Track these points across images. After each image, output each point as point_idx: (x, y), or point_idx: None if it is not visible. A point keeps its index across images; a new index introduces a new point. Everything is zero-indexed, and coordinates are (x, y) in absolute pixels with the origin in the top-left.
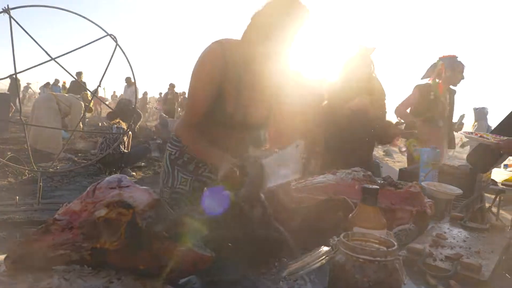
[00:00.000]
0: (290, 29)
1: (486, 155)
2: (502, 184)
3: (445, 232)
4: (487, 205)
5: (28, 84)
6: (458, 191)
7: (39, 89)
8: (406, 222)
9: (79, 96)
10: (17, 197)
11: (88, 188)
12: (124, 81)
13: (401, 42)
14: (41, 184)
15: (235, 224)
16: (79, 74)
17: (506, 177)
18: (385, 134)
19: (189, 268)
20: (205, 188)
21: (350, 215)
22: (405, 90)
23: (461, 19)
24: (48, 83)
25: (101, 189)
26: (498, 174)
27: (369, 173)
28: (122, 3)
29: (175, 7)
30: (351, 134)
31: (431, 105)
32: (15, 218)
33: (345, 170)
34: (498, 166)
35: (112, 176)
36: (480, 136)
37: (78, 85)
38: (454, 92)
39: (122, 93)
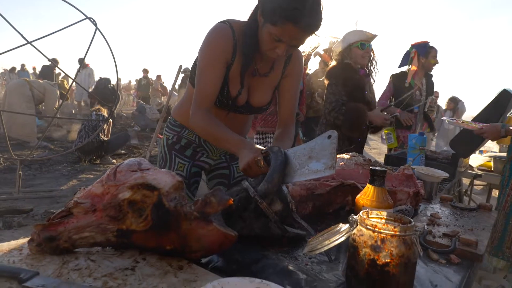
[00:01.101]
0: (301, 10)
1: (469, 140)
2: (478, 169)
3: (438, 212)
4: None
5: (5, 70)
6: (445, 174)
7: (3, 74)
8: (404, 203)
9: (54, 82)
10: None
11: (108, 171)
12: (78, 63)
13: (375, 31)
14: (20, 172)
15: (251, 219)
16: (54, 61)
17: (481, 162)
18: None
19: (215, 247)
20: (202, 173)
21: (358, 195)
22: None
23: (435, 7)
24: (14, 68)
25: (122, 172)
26: (474, 160)
27: (368, 158)
28: None
29: None
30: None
31: (406, 92)
32: None
33: (343, 156)
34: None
35: (131, 159)
36: (462, 122)
37: (50, 70)
38: (430, 76)
39: (19, 69)
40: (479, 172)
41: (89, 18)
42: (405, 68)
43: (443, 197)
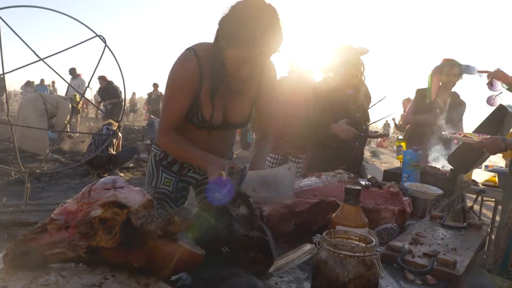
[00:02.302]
0: (259, 32)
1: (467, 156)
2: (482, 185)
3: (424, 231)
4: (469, 204)
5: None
6: (439, 191)
7: (21, 88)
8: (389, 221)
9: (66, 96)
10: (4, 198)
11: (84, 189)
12: (68, 73)
13: (408, 45)
14: (28, 185)
15: (215, 219)
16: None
17: (487, 177)
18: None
19: (181, 265)
20: (190, 187)
21: (334, 214)
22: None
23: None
24: (29, 82)
25: (97, 190)
26: (479, 175)
27: (353, 175)
28: (110, 5)
29: (162, 8)
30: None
31: (427, 109)
32: (2, 219)
33: (329, 173)
34: (479, 167)
35: (107, 177)
36: (464, 136)
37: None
38: (457, 95)
39: (38, 84)
40: (484, 187)
41: (99, 36)
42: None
43: (433, 215)
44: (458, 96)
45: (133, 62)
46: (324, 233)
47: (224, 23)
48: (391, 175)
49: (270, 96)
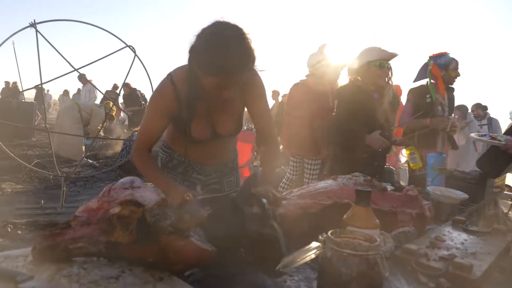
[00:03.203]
0: (229, 58)
1: (496, 159)
2: None
3: (444, 235)
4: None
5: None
6: (464, 195)
7: (59, 98)
8: (406, 224)
9: (100, 104)
10: (42, 201)
11: (104, 189)
12: (78, 80)
13: (389, 40)
14: (64, 189)
15: (228, 217)
16: (115, 88)
17: None
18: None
19: (192, 261)
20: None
21: (345, 216)
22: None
23: (453, 16)
24: (66, 91)
25: (116, 189)
26: None
27: (369, 177)
28: (137, 14)
29: (189, 16)
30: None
31: (429, 109)
32: (40, 221)
33: (345, 176)
34: None
35: (126, 178)
36: (492, 138)
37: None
38: (452, 90)
39: (75, 93)
40: None
41: (129, 46)
42: (423, 82)
43: (455, 219)
44: (453, 90)
45: (162, 70)
46: (329, 232)
47: (194, 53)
48: (418, 179)
49: (261, 105)
